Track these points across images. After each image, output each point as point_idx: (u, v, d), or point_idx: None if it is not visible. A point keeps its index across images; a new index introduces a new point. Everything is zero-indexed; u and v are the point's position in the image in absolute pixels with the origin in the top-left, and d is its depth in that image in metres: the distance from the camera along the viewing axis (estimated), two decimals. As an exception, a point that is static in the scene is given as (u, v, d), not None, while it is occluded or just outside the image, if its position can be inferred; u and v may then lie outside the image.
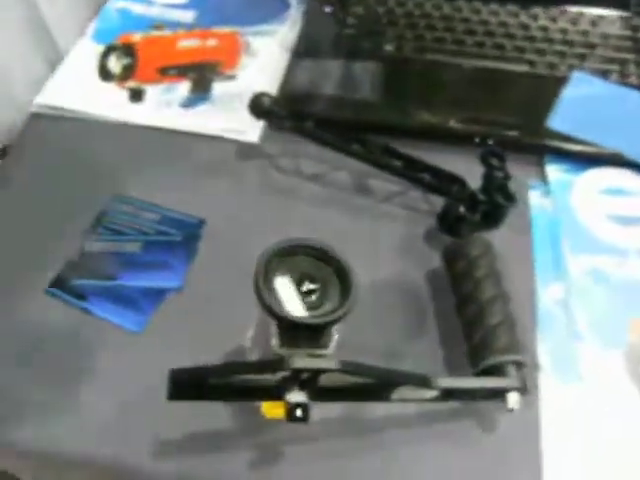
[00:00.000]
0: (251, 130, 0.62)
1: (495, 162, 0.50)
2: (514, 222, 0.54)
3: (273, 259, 0.39)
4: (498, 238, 0.51)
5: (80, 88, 0.68)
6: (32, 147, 0.64)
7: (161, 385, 0.39)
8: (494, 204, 0.49)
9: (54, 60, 0.71)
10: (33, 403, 0.47)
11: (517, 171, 0.56)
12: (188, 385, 0.39)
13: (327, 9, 0.68)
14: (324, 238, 0.44)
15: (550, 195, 0.56)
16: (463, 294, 0.46)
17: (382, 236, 0.55)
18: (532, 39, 0.64)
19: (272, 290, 0.38)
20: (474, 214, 0.50)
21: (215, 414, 0.46)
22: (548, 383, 0.46)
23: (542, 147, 0.58)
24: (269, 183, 0.60)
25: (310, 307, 0.38)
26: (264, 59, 0.68)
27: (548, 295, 0.50)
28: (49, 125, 0.66)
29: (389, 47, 0.64)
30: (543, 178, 0.57)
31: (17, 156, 0.64)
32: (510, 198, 0.49)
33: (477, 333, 0.44)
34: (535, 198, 0.56)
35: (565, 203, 0.55)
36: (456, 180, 0.52)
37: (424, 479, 0.43)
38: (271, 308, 0.36)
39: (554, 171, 0.57)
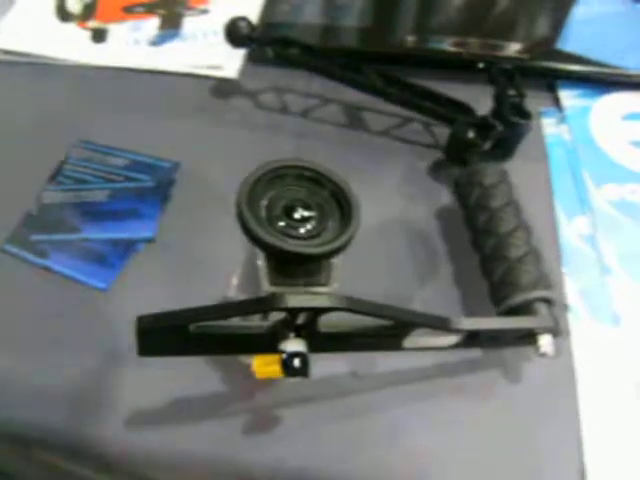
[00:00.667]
0: (228, 65, 0.56)
1: (506, 81, 0.43)
2: (528, 152, 0.48)
3: (258, 184, 0.32)
4: (512, 171, 0.45)
5: (36, 30, 0.61)
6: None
7: (132, 347, 0.33)
8: (508, 124, 0.43)
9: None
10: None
11: (529, 98, 0.50)
12: (161, 335, 0.33)
13: None
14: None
15: (566, 122, 0.50)
16: (479, 227, 0.40)
17: (383, 173, 0.48)
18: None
19: (259, 219, 0.31)
20: (485, 140, 0.44)
21: (198, 375, 0.39)
22: (580, 325, 0.40)
23: (553, 70, 0.52)
24: (250, 121, 0.53)
25: (306, 237, 0.32)
26: (238, -10, 0.61)
27: (572, 230, 0.44)
28: (5, 69, 0.59)
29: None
30: (556, 105, 0.51)
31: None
32: (526, 115, 0.43)
33: (499, 268, 0.38)
34: (549, 126, 0.50)
35: (583, 130, 0.49)
36: (463, 107, 0.46)
37: (445, 439, 0.37)
38: (258, 236, 0.30)
39: (568, 97, 0.51)
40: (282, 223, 0.31)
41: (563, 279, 0.42)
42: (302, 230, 0.32)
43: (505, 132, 0.43)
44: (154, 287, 0.44)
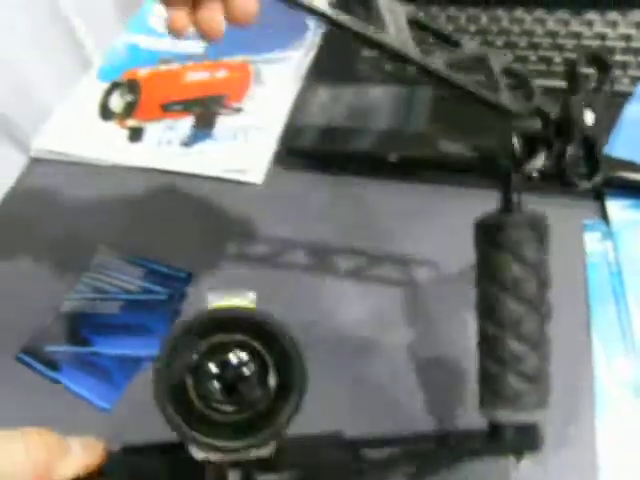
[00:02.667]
0: (254, 168, 0.55)
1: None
2: (564, 273, 0.43)
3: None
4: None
5: (79, 130, 0.62)
6: (24, 195, 0.59)
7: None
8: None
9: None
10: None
11: (570, 208, 0.46)
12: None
13: (361, 28, 0.60)
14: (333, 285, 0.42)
15: (611, 237, 0.44)
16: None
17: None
18: (586, 50, 0.54)
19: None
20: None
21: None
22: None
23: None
24: (272, 230, 0.51)
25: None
26: (273, 88, 0.60)
27: (611, 373, 0.39)
28: (46, 170, 0.61)
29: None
30: (603, 216, 0.46)
31: (8, 205, 0.58)
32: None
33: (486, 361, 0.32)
34: (593, 242, 0.45)
35: (631, 248, 0.44)
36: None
37: None
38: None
39: (616, 207, 0.46)
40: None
41: (594, 436, 0.36)
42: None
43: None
44: (154, 410, 0.42)
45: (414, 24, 0.31)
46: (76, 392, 0.45)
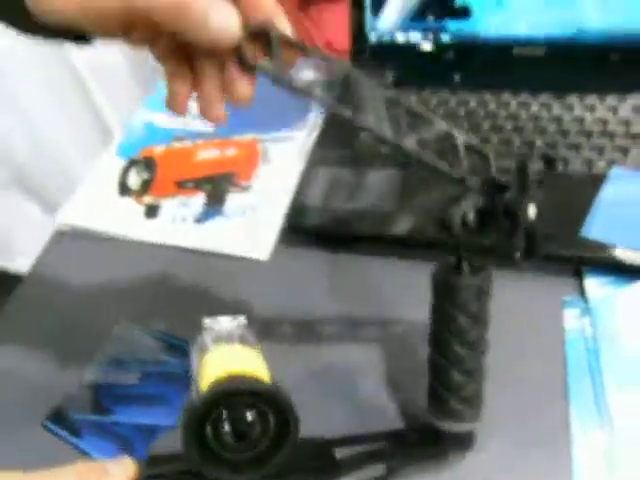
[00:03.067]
0: (260, 246, 0.59)
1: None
2: (543, 349, 0.47)
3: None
4: (525, 368, 0.45)
5: (99, 205, 0.67)
6: (47, 268, 0.64)
7: None
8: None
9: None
10: None
11: (550, 284, 0.50)
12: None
13: (346, 113, 0.65)
14: (335, 360, 0.49)
15: (589, 314, 0.48)
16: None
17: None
18: (565, 133, 0.58)
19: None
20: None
21: None
22: None
23: (577, 259, 0.51)
24: (277, 307, 0.55)
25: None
26: (279, 167, 0.66)
27: (587, 445, 0.42)
28: (68, 242, 0.66)
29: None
30: (581, 293, 0.50)
31: (32, 277, 0.63)
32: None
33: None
34: (571, 318, 0.49)
35: (607, 324, 0.47)
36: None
37: None
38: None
39: (594, 285, 0.50)
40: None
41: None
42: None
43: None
44: None
45: (393, 104, 0.37)
46: (96, 459, 0.49)
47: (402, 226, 0.55)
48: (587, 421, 0.43)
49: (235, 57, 0.36)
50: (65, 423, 0.51)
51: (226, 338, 0.42)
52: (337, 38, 1.20)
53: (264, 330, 0.53)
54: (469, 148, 0.39)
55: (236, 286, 0.58)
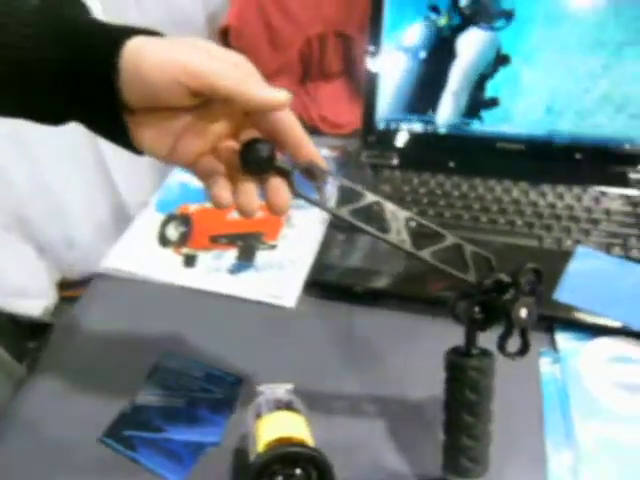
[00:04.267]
0: (287, 295, 0.70)
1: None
2: (525, 387, 0.59)
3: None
4: (508, 404, 0.56)
5: (141, 253, 0.78)
6: (95, 305, 0.73)
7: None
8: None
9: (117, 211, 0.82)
10: None
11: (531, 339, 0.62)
12: None
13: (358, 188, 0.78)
14: (356, 404, 0.57)
15: (559, 362, 0.60)
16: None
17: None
18: (540, 216, 0.72)
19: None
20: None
21: None
22: None
23: (551, 318, 0.63)
24: (302, 344, 0.66)
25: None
26: (302, 231, 0.77)
27: (559, 462, 0.53)
28: (111, 285, 0.75)
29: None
30: (553, 345, 0.62)
31: (83, 311, 0.72)
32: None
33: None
34: (545, 365, 0.61)
35: (573, 370, 0.60)
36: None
37: None
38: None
39: (563, 339, 0.62)
40: None
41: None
42: None
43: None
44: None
45: (412, 221, 0.48)
46: (151, 469, 0.58)
47: (411, 285, 0.67)
48: (558, 444, 0.55)
49: (302, 171, 0.46)
50: (120, 439, 0.60)
51: (276, 404, 0.53)
52: (331, 114, 1.34)
53: (290, 367, 0.63)
54: (475, 254, 0.50)
55: (266, 329, 0.68)
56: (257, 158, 0.44)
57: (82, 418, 0.62)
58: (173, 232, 0.80)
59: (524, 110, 0.78)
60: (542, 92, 0.77)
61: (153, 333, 0.69)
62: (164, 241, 0.79)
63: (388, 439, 0.57)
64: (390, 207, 0.48)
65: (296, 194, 0.46)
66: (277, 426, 0.50)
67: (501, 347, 0.48)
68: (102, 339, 0.69)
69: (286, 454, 0.45)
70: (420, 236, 0.48)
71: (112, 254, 0.78)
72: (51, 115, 0.44)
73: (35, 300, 0.89)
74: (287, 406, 0.53)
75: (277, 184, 0.45)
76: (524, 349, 0.49)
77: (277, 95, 0.43)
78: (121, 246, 0.79)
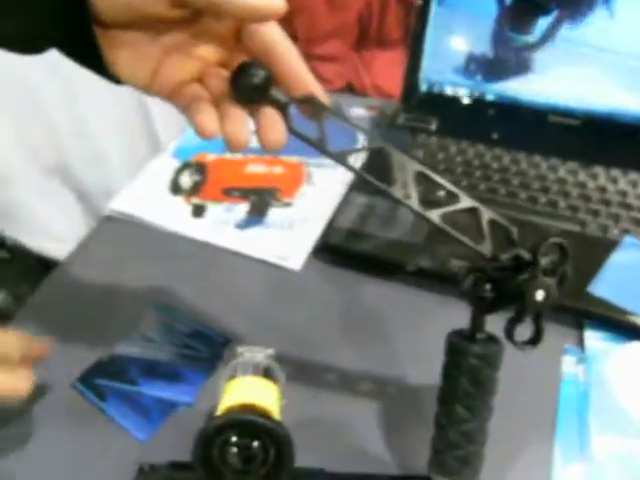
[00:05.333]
0: (294, 257, 0.64)
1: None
2: (542, 384, 0.51)
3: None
4: (516, 402, 0.49)
5: (151, 199, 0.73)
6: (96, 248, 0.70)
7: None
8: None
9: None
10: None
11: (553, 332, 0.54)
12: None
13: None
14: (346, 366, 0.52)
15: (585, 363, 0.53)
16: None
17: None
18: (587, 199, 0.63)
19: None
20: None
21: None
22: None
23: (582, 312, 0.55)
24: (302, 310, 0.60)
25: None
26: (321, 190, 0.71)
27: (567, 475, 0.46)
28: (116, 228, 0.71)
29: (442, 193, 0.65)
30: (580, 343, 0.54)
31: (81, 254, 0.69)
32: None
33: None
34: (568, 364, 0.53)
35: (599, 374, 0.52)
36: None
37: None
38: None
39: (593, 338, 0.54)
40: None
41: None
42: None
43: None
44: (182, 446, 0.50)
45: (422, 177, 0.41)
46: (117, 421, 0.53)
47: (427, 260, 0.60)
48: (569, 455, 0.47)
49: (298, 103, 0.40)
50: (92, 386, 0.56)
51: (253, 369, 0.47)
52: (386, 83, 1.27)
53: (286, 334, 0.57)
54: (493, 223, 0.42)
55: (267, 290, 0.63)
56: (251, 84, 0.39)
57: (60, 363, 0.58)
58: (187, 180, 0.75)
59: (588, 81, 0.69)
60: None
61: (149, 282, 0.65)
62: (176, 189, 0.74)
63: (376, 423, 0.51)
64: (398, 156, 0.41)
65: (292, 131, 0.40)
66: (244, 391, 0.44)
67: (509, 333, 0.41)
68: (96, 283, 0.66)
69: (241, 421, 0.39)
70: (432, 197, 0.41)
71: (121, 197, 0.74)
72: (25, 37, 0.39)
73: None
74: (265, 372, 0.47)
75: (271, 117, 0.40)
76: (536, 338, 0.41)
77: (269, 0, 0.36)
78: (131, 190, 0.75)
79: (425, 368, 0.50)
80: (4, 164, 0.76)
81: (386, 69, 1.27)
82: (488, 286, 0.41)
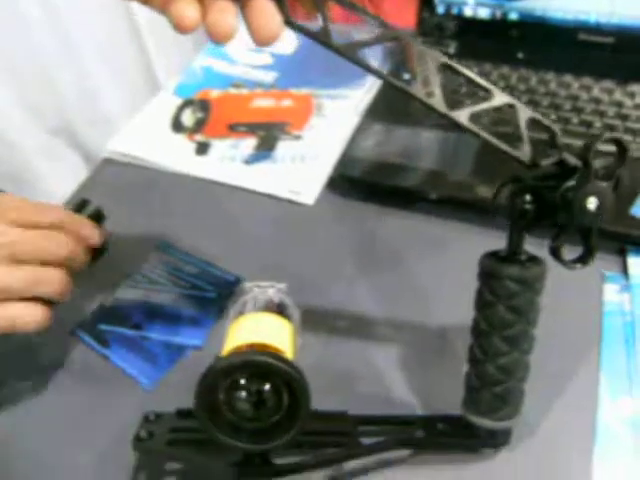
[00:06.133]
0: (307, 191, 0.60)
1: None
2: (582, 315, 0.47)
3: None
4: (556, 335, 0.44)
5: (151, 138, 0.68)
6: (96, 191, 0.65)
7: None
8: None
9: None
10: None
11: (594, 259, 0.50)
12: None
13: (406, 76, 0.65)
14: (365, 305, 0.48)
15: (629, 290, 0.48)
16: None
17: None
18: (625, 118, 0.58)
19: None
20: None
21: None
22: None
23: (624, 236, 0.50)
24: (317, 246, 0.56)
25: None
26: (333, 121, 0.66)
27: (614, 410, 0.42)
28: (116, 170, 0.67)
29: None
30: (624, 271, 0.50)
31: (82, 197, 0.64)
32: None
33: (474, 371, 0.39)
34: (611, 292, 0.48)
35: (647, 302, 0.47)
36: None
37: None
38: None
39: (637, 265, 0.49)
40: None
41: (591, 463, 0.39)
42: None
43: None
44: (192, 393, 0.46)
45: (447, 69, 0.35)
46: (122, 368, 0.50)
47: (451, 188, 0.55)
48: (616, 388, 0.43)
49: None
50: (94, 332, 0.52)
51: (264, 305, 0.42)
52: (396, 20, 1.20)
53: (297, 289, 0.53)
54: (533, 123, 0.36)
55: (279, 226, 0.58)
56: None
57: (59, 310, 0.53)
58: (189, 117, 0.70)
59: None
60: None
61: (152, 224, 0.60)
62: (178, 126, 0.69)
63: (400, 364, 0.47)
64: (417, 47, 0.35)
65: (289, 22, 0.34)
66: (255, 329, 0.39)
67: (554, 250, 0.36)
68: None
69: (250, 362, 0.35)
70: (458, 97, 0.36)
71: (119, 137, 0.69)
72: None
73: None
74: (278, 309, 0.43)
75: (264, 6, 0.34)
76: (587, 256, 0.36)
77: None
78: (130, 129, 0.70)
79: (452, 303, 0.46)
80: (9, 126, 0.71)
81: (396, 9, 1.21)
82: (528, 197, 0.36)
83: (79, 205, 0.57)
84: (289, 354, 0.37)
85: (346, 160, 0.60)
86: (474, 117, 0.35)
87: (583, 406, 0.42)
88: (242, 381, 0.35)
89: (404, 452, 0.41)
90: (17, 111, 0.72)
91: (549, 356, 0.43)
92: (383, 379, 0.46)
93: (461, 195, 0.54)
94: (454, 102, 0.35)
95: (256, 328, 0.40)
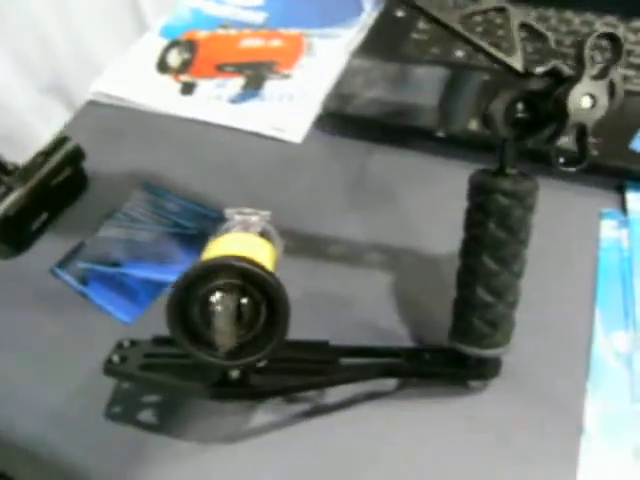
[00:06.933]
0: (294, 129, 0.57)
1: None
2: (578, 250, 0.45)
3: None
4: (555, 269, 0.43)
5: (136, 79, 0.66)
6: (79, 134, 0.62)
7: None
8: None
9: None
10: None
11: (591, 195, 0.48)
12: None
13: (399, 13, 0.63)
14: (353, 238, 0.46)
15: (627, 226, 0.46)
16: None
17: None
18: (629, 53, 0.55)
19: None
20: None
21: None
22: (592, 453, 0.35)
23: (623, 171, 0.48)
24: (304, 184, 0.54)
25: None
26: (323, 60, 0.63)
27: (608, 344, 0.40)
28: (100, 111, 0.64)
29: (460, 53, 0.58)
30: (622, 207, 0.48)
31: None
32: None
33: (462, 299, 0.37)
34: (609, 228, 0.46)
35: (645, 238, 0.45)
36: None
37: None
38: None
39: (636, 200, 0.47)
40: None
41: (584, 397, 0.38)
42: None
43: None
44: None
45: None
46: (100, 305, 0.48)
47: (442, 123, 0.53)
48: (611, 323, 0.41)
49: None
50: (72, 270, 0.50)
51: (246, 228, 0.40)
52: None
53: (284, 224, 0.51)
54: (524, 27, 0.34)
55: (265, 164, 0.56)
56: None
57: (38, 248, 0.53)
58: (175, 58, 0.68)
59: None
60: None
61: (136, 163, 0.58)
62: (163, 67, 0.67)
63: (387, 295, 0.45)
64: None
65: None
66: (234, 243, 0.37)
67: (547, 154, 0.34)
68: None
69: (227, 267, 0.32)
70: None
71: (103, 78, 0.66)
72: None
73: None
74: (261, 233, 0.40)
75: None
76: (580, 157, 0.34)
77: None
78: (113, 70, 0.67)
79: (442, 238, 0.44)
80: (2, 87, 0.69)
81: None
82: (520, 105, 0.34)
83: (57, 143, 0.55)
84: (269, 267, 0.35)
85: (334, 95, 0.57)
86: (465, 19, 0.33)
87: (577, 340, 0.41)
88: (218, 294, 0.32)
89: (389, 385, 0.40)
90: (10, 70, 0.70)
91: (544, 290, 0.42)
92: (369, 311, 0.44)
93: (453, 130, 0.52)
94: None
95: (236, 243, 0.37)
